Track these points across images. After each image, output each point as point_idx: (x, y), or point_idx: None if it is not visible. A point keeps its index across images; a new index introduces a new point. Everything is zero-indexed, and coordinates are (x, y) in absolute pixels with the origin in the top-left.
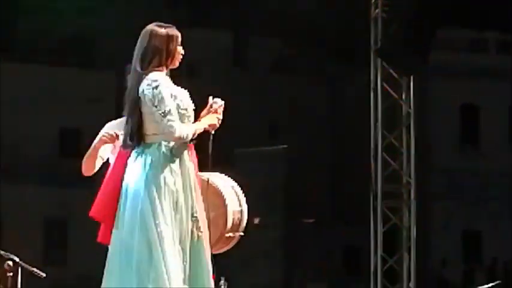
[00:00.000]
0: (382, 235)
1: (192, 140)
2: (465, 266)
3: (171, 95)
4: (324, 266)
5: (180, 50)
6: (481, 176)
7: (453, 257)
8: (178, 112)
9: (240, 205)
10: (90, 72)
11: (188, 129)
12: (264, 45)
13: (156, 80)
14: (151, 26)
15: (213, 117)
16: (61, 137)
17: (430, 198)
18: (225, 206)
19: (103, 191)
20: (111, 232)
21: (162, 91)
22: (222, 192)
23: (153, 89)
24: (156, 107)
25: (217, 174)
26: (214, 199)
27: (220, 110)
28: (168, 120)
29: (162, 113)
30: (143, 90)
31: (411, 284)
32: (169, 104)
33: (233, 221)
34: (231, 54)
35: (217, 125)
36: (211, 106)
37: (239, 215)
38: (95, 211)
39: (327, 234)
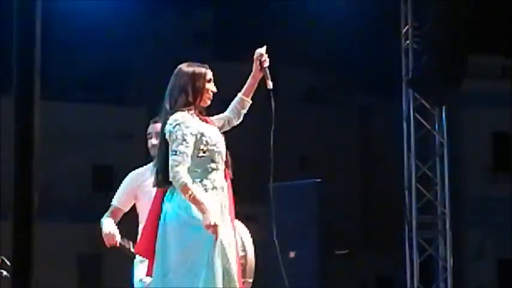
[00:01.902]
0: (418, 266)
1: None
2: None
3: (194, 134)
4: None
5: (211, 87)
6: None
7: (489, 285)
8: (207, 149)
9: (244, 250)
10: (121, 108)
11: (184, 180)
12: (294, 76)
13: (176, 120)
14: (181, 66)
15: (209, 219)
16: (94, 174)
17: (463, 228)
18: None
19: (146, 228)
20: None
21: (178, 131)
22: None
23: (172, 128)
24: (170, 145)
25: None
26: None
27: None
28: (172, 160)
29: (172, 151)
30: (166, 130)
31: None
32: (180, 146)
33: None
34: (261, 86)
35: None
36: (259, 61)
37: (243, 261)
38: (138, 247)
39: (360, 265)
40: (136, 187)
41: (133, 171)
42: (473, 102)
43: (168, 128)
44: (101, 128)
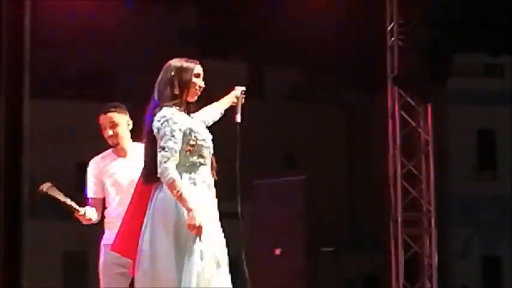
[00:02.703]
0: (403, 263)
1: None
2: None
3: (182, 129)
4: None
5: (198, 82)
6: (499, 201)
7: (473, 283)
8: (196, 144)
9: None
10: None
11: (173, 176)
12: (281, 74)
13: (164, 116)
14: (170, 61)
15: (194, 219)
16: (78, 172)
17: (449, 225)
18: None
19: (126, 226)
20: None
21: (166, 127)
22: None
23: (160, 124)
24: (159, 141)
25: None
26: None
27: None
28: (162, 156)
29: (160, 147)
30: (154, 125)
31: None
32: (169, 142)
33: None
34: (248, 83)
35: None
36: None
37: None
38: (118, 247)
39: (346, 263)
40: (99, 173)
41: (92, 159)
42: (459, 100)
43: (156, 124)
44: (86, 125)
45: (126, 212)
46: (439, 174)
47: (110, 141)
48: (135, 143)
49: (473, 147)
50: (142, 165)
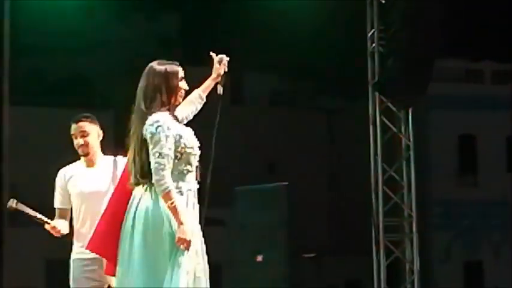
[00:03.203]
0: (385, 268)
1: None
2: None
3: (174, 135)
4: None
5: (183, 86)
6: (481, 206)
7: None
8: (184, 151)
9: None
10: (87, 112)
11: (169, 186)
12: (261, 81)
13: (157, 121)
14: (153, 64)
15: (185, 233)
16: None
17: (430, 230)
18: None
19: (104, 227)
20: (115, 265)
21: (161, 133)
22: None
23: (154, 129)
24: (153, 147)
25: None
26: None
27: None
28: (156, 163)
29: (154, 153)
30: (146, 130)
31: None
32: (164, 148)
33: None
34: (228, 91)
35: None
36: (219, 62)
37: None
38: (94, 246)
39: (328, 269)
40: (65, 183)
41: (60, 170)
42: (440, 105)
43: (149, 129)
44: (66, 132)
45: (105, 210)
46: (420, 179)
47: (80, 151)
48: (106, 156)
49: (454, 153)
50: (109, 176)
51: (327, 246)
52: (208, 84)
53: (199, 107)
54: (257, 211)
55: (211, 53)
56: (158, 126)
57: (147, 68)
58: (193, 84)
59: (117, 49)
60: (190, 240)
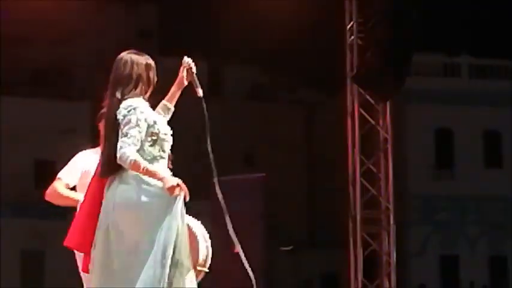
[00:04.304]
0: (362, 261)
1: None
2: None
3: (147, 120)
4: None
5: (155, 78)
6: (457, 200)
7: (431, 281)
8: (158, 137)
9: (206, 240)
10: (64, 103)
11: (134, 157)
12: (239, 73)
13: (131, 105)
14: (130, 54)
15: (169, 181)
16: (36, 169)
17: (407, 223)
18: (196, 240)
19: (81, 220)
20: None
21: (133, 115)
22: (192, 228)
23: (127, 112)
24: (122, 127)
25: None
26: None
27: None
28: (121, 141)
29: (122, 134)
30: (119, 114)
31: None
32: (133, 130)
33: (203, 255)
34: (206, 83)
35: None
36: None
37: (206, 251)
38: (73, 241)
39: (305, 261)
40: (84, 164)
41: (83, 151)
42: (417, 99)
43: (122, 112)
44: (44, 122)
45: (82, 204)
46: (398, 172)
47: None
48: None
49: (431, 146)
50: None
51: (304, 239)
52: (173, 91)
53: (168, 117)
54: (235, 202)
55: (185, 57)
56: (132, 109)
57: (123, 57)
58: (170, 75)
59: (94, 40)
60: (178, 183)
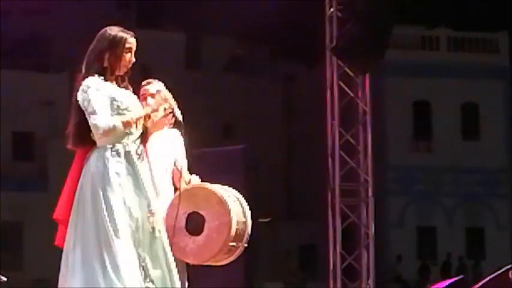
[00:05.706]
0: (341, 233)
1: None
2: (420, 261)
3: (105, 95)
4: (280, 265)
5: (128, 57)
6: (435, 172)
7: (408, 252)
8: (118, 113)
9: (245, 216)
10: (43, 75)
11: (114, 119)
12: (217, 45)
13: (87, 85)
14: (105, 29)
15: (149, 106)
16: (14, 141)
17: (385, 195)
18: (229, 215)
19: (63, 194)
20: None
21: (90, 94)
22: (226, 202)
23: (84, 93)
24: (86, 110)
25: (221, 186)
26: (218, 208)
27: (157, 96)
28: (93, 119)
29: (88, 115)
30: (78, 96)
31: (370, 281)
32: (95, 104)
33: (236, 231)
34: (184, 55)
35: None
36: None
37: (243, 226)
38: (57, 213)
39: (283, 233)
40: None
41: None
42: (396, 71)
43: (80, 95)
44: (22, 94)
45: (68, 178)
46: (377, 144)
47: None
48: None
49: (409, 119)
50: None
51: (283, 211)
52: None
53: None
54: (214, 174)
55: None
56: (88, 89)
57: (100, 32)
58: (150, 47)
59: (73, 12)
60: (152, 108)
